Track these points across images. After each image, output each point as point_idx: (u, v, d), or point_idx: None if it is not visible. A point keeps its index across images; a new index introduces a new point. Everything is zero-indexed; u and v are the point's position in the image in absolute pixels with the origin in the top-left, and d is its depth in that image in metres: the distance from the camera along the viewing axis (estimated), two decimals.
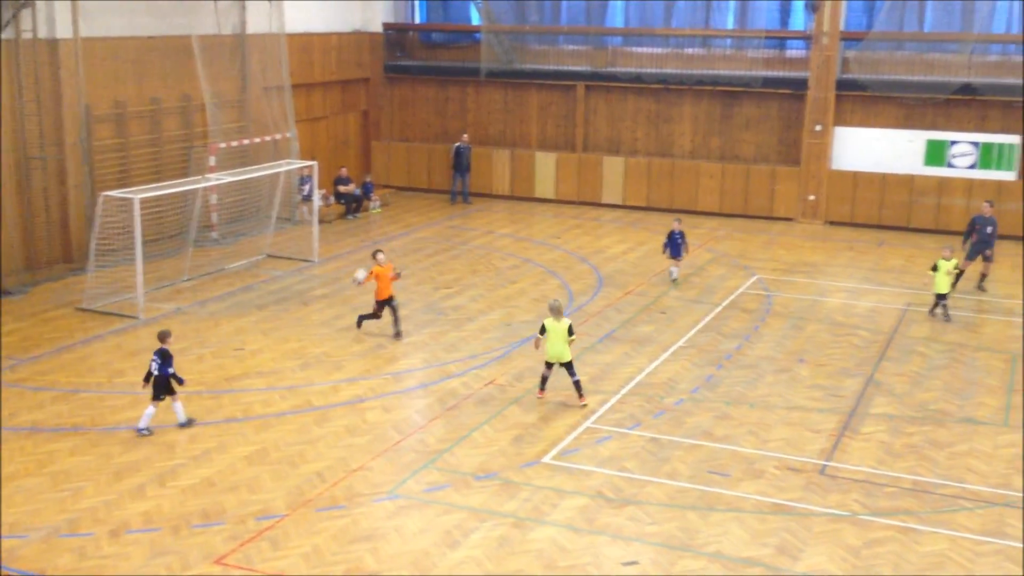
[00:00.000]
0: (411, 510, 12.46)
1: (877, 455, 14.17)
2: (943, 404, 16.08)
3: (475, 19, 34.21)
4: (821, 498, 12.89)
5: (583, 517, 12.33)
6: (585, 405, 15.67)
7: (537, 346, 16.03)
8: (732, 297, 21.87)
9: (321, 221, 26.35)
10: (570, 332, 15.53)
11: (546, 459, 13.92)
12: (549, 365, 15.73)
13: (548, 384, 15.94)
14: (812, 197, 29.77)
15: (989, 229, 22.75)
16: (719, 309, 20.98)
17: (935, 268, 20.27)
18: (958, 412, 15.76)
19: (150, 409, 14.43)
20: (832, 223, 29.53)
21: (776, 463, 13.85)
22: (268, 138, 26.86)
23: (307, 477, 13.26)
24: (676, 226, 22.73)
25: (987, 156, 28.42)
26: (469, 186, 32.41)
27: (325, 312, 20.44)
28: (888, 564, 11.38)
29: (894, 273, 24.28)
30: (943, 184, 28.57)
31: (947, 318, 20.27)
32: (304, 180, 27.57)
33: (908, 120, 29.13)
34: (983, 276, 22.81)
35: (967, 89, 28.18)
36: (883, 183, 29.12)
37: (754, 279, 23.40)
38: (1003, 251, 26.39)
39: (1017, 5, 28.51)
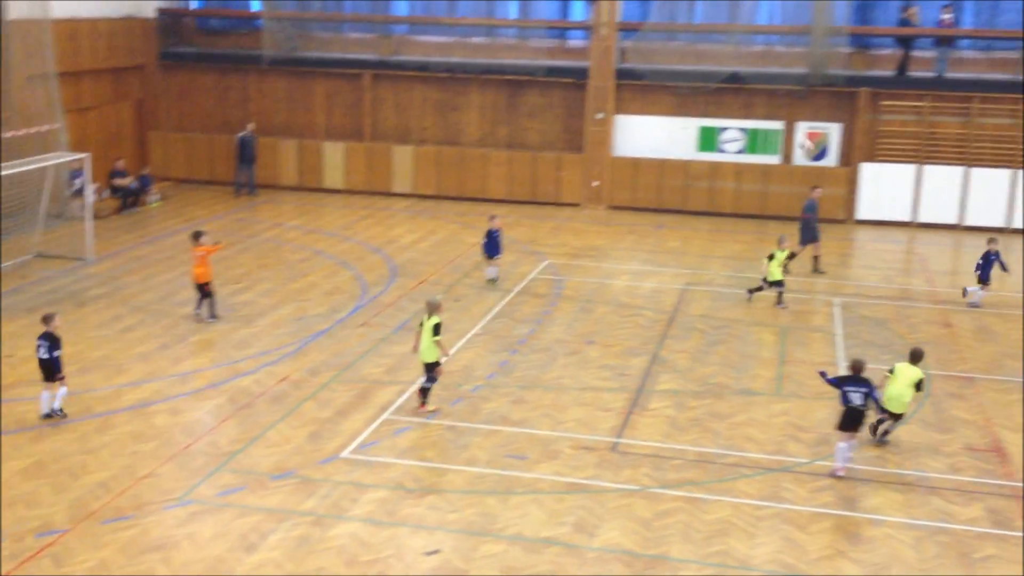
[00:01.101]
0: (204, 515, 12.05)
1: (664, 430, 14.80)
2: (722, 378, 16.94)
3: (256, 5, 33.31)
4: (614, 474, 13.35)
5: (384, 510, 12.29)
6: (434, 411, 15.05)
7: (415, 349, 15.22)
8: (524, 283, 22.28)
9: (96, 217, 25.02)
10: (435, 331, 14.79)
11: (344, 454, 13.78)
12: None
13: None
14: (596, 183, 30.69)
15: (810, 213, 24.02)
16: (511, 295, 21.33)
17: (771, 257, 20.87)
18: (735, 384, 16.65)
19: (44, 394, 14.43)
20: (615, 208, 30.54)
21: (571, 443, 14.23)
22: (34, 130, 25.23)
23: (90, 488, 12.60)
24: (493, 224, 21.77)
25: (754, 141, 30.09)
26: (255, 178, 31.57)
27: (103, 313, 19.45)
28: (677, 534, 11.91)
29: (673, 254, 25.37)
30: (715, 168, 30.05)
31: (782, 304, 20.93)
32: (75, 174, 26.07)
33: (682, 108, 30.45)
34: (816, 259, 23.82)
35: (735, 78, 29.70)
36: (661, 168, 30.34)
37: (544, 264, 23.92)
38: (769, 230, 28.04)
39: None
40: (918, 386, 14.30)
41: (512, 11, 32.34)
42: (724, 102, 30.16)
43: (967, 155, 28.65)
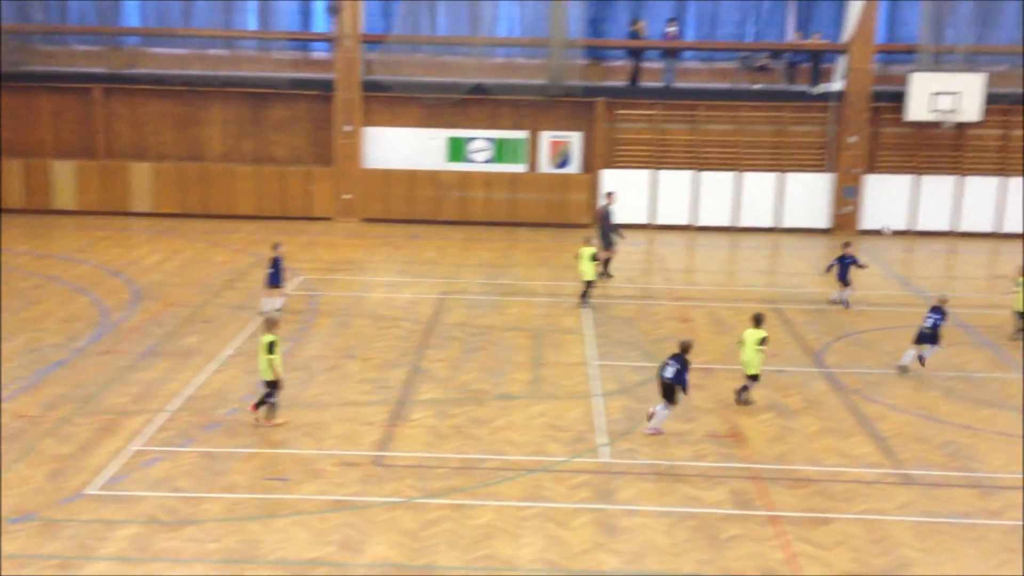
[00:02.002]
0: None
1: (426, 440, 14.89)
2: (481, 384, 17.23)
3: None
4: (378, 488, 13.29)
5: (136, 546, 11.70)
6: (282, 423, 15.07)
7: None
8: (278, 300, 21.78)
9: None
10: (268, 349, 14.61)
11: (89, 491, 13.00)
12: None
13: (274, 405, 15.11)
14: (348, 196, 30.52)
15: (611, 220, 24.65)
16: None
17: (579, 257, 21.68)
18: (494, 390, 16.98)
19: None
20: (368, 220, 30.47)
21: (333, 460, 14.06)
22: None
23: None
24: (278, 251, 20.57)
25: (501, 151, 30.84)
26: None
27: None
28: (443, 542, 12.01)
29: (428, 264, 25.60)
30: (465, 178, 30.58)
31: (586, 303, 21.71)
32: None
33: (430, 119, 30.80)
34: (607, 260, 24.43)
35: (479, 89, 30.35)
36: (412, 179, 30.55)
37: (299, 280, 23.53)
38: (516, 236, 28.85)
39: (517, 12, 31.18)
40: (762, 342, 16.01)
41: (251, 22, 31.61)
42: (470, 113, 30.74)
43: (696, 160, 30.55)
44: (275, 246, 20.78)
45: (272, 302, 20.26)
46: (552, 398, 16.62)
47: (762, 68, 31.19)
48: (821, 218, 30.53)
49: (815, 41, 30.59)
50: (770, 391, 16.97)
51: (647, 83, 30.91)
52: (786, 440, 15.09)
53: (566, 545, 12.00)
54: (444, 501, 12.99)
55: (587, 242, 21.97)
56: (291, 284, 23.09)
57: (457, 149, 30.81)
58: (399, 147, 30.78)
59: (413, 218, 30.43)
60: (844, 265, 22.22)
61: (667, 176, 30.47)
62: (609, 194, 25.58)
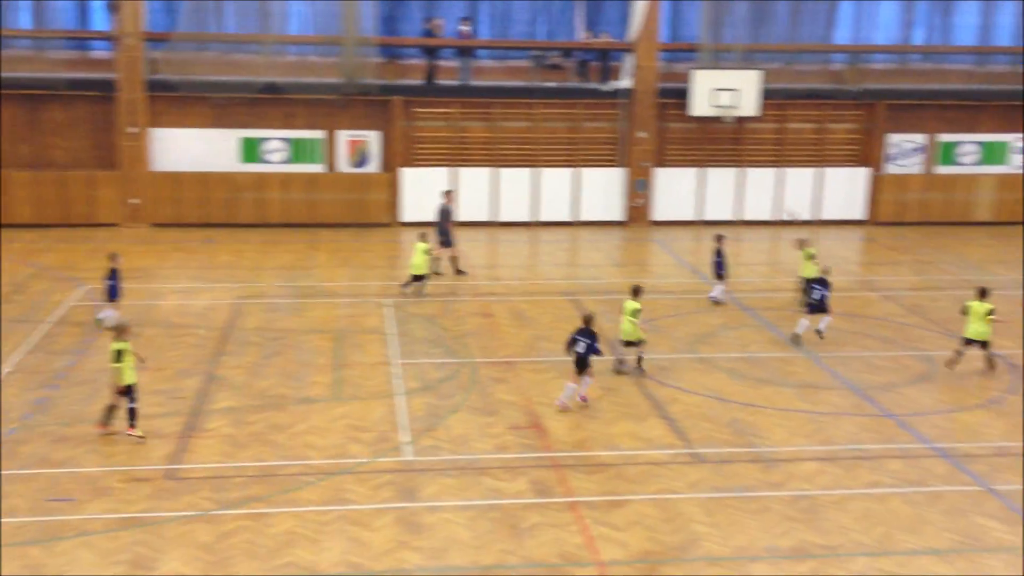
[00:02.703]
0: None
1: (223, 449, 14.49)
2: (281, 389, 16.91)
3: None
4: (171, 503, 12.85)
5: None
6: (141, 437, 14.59)
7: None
8: (60, 312, 20.75)
9: None
10: (117, 358, 14.43)
11: None
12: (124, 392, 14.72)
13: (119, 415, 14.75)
14: (135, 201, 29.29)
15: (450, 218, 24.77)
16: (47, 326, 19.78)
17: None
18: (295, 394, 16.70)
19: None
20: (158, 225, 29.35)
21: (122, 477, 13.49)
22: None
23: None
24: (116, 263, 19.59)
25: (297, 151, 30.31)
26: None
27: None
28: (242, 553, 11.73)
29: (224, 269, 24.90)
30: (261, 179, 29.89)
31: (421, 295, 22.36)
32: None
33: (221, 119, 29.92)
34: (455, 258, 24.63)
35: (272, 88, 29.72)
36: (204, 182, 29.62)
37: (83, 290, 22.42)
38: (316, 237, 28.48)
39: (308, 9, 30.71)
40: (633, 314, 17.23)
41: (24, 20, 29.82)
42: (264, 112, 30.07)
43: (495, 157, 30.93)
44: (112, 256, 19.69)
45: (111, 315, 19.20)
46: (354, 399, 16.49)
47: (554, 66, 31.88)
48: (616, 211, 31.49)
49: (603, 40, 31.51)
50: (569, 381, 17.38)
51: (443, 81, 31.06)
52: (584, 428, 15.52)
53: (368, 546, 11.95)
54: (242, 511, 12.68)
55: (422, 237, 22.45)
56: (74, 295, 22.01)
57: (251, 150, 30.08)
58: (189, 148, 29.75)
59: (207, 222, 29.51)
60: (721, 259, 22.16)
61: (467, 173, 30.71)
62: (448, 192, 25.60)
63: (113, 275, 19.48)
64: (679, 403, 16.53)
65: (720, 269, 22.30)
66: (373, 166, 30.67)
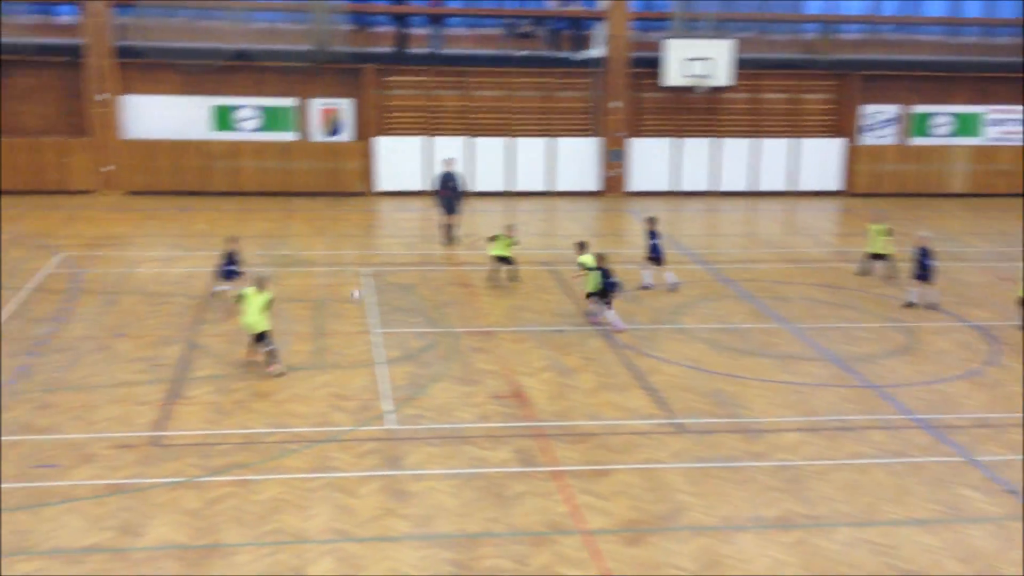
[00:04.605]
0: None
1: (208, 416, 14.46)
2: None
3: None
4: (157, 469, 12.82)
5: None
6: (281, 374, 15.96)
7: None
8: (37, 279, 20.55)
9: None
10: (268, 306, 16.10)
11: None
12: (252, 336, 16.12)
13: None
14: (109, 168, 28.96)
15: (452, 183, 24.33)
16: (24, 293, 19.59)
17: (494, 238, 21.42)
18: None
19: None
20: (133, 193, 29.06)
21: (107, 443, 13.43)
22: None
23: None
24: (233, 245, 19.77)
25: (270, 119, 30.07)
26: None
27: None
28: (229, 519, 11.73)
29: (201, 237, 24.72)
30: (234, 147, 29.67)
31: (516, 279, 21.59)
32: None
33: (192, 87, 29.63)
34: (455, 227, 24.33)
35: (243, 55, 29.40)
36: (178, 150, 29.36)
37: (59, 257, 22.19)
38: (291, 206, 28.32)
39: None
40: (581, 266, 18.78)
41: None
42: (235, 80, 29.79)
43: (469, 126, 30.86)
44: (231, 239, 19.65)
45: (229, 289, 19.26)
46: (336, 368, 16.49)
47: (526, 35, 31.78)
48: (591, 181, 31.55)
49: (574, 9, 31.41)
50: (550, 350, 17.49)
51: (415, 50, 30.88)
52: (567, 397, 15.61)
53: (355, 513, 11.99)
54: (228, 478, 12.67)
55: (509, 230, 21.53)
56: (50, 262, 21.80)
57: (224, 117, 29.81)
58: (162, 116, 29.46)
59: (181, 189, 29.27)
60: (655, 242, 21.23)
61: (441, 143, 30.61)
62: (448, 160, 25.45)
63: (230, 259, 19.35)
64: (660, 373, 16.66)
65: (655, 252, 21.16)
66: (346, 135, 30.50)
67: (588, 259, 18.95)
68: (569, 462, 13.40)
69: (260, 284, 16.27)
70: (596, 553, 11.22)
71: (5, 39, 28.58)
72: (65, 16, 29.71)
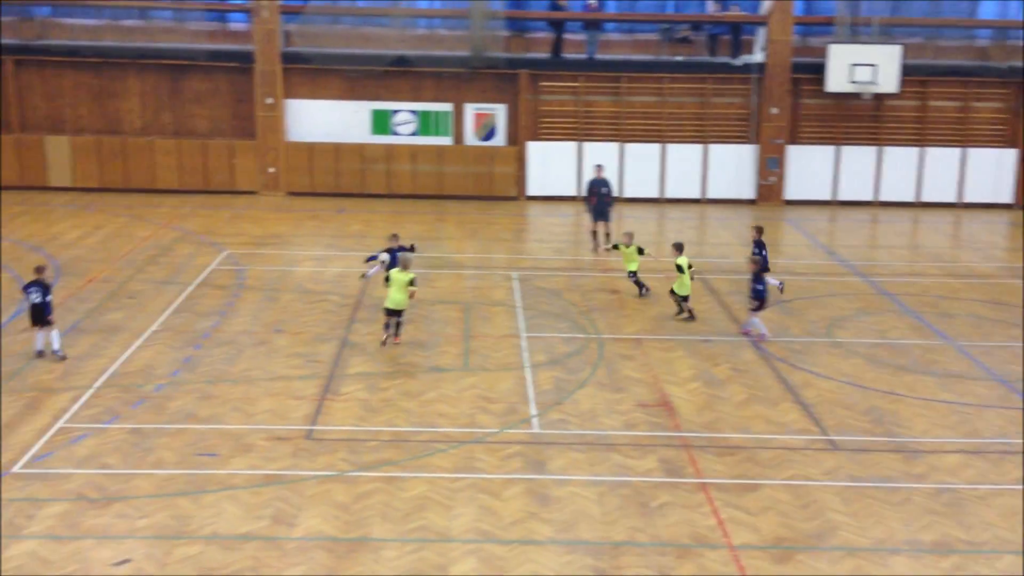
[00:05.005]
0: None
1: (358, 413, 14.82)
2: (412, 357, 17.18)
3: None
4: (310, 462, 13.21)
5: (65, 523, 11.48)
6: (397, 343, 17.45)
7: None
8: (203, 275, 21.49)
9: None
10: (412, 283, 17.19)
11: (16, 469, 12.72)
12: (391, 312, 17.35)
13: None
14: (272, 169, 30.07)
15: (604, 190, 24.42)
16: (191, 288, 20.51)
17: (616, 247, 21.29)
18: (425, 363, 16.94)
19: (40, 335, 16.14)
20: (294, 194, 30.09)
21: (264, 435, 13.93)
22: None
23: None
24: (394, 242, 19.50)
25: (426, 123, 30.63)
26: None
27: None
28: (377, 514, 11.98)
29: (356, 238, 25.37)
30: (390, 151, 30.33)
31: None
32: None
33: (353, 91, 30.45)
34: (607, 235, 24.21)
35: (402, 61, 30.07)
36: (337, 153, 30.22)
37: (224, 254, 23.17)
38: (443, 209, 28.76)
39: None
40: (680, 268, 18.93)
41: None
42: (394, 85, 30.47)
43: (621, 132, 30.71)
44: (392, 236, 19.65)
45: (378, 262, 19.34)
46: (483, 370, 16.65)
47: (683, 40, 31.42)
48: (746, 189, 30.95)
49: (734, 13, 30.88)
50: (699, 360, 17.23)
51: (570, 55, 30.94)
52: (714, 408, 15.33)
53: (499, 515, 12.06)
54: (376, 474, 12.95)
55: (678, 249, 19.73)
56: (215, 259, 22.77)
57: (381, 121, 30.53)
58: (323, 119, 30.39)
59: (339, 191, 30.12)
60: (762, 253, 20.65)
61: (592, 148, 30.56)
62: (599, 166, 25.44)
63: (393, 253, 19.10)
64: (813, 388, 16.19)
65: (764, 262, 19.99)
66: (500, 139, 30.79)
67: (684, 261, 19.07)
68: (716, 474, 13.15)
69: (405, 265, 17.40)
70: (742, 569, 10.97)
71: (182, 45, 30.04)
72: (238, 24, 31.02)
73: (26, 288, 16.55)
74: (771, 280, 20.20)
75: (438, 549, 11.30)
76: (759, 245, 20.40)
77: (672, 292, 19.52)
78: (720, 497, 12.55)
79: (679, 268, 19.17)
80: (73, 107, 30.20)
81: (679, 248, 19.55)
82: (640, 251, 20.89)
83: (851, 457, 13.72)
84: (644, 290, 20.85)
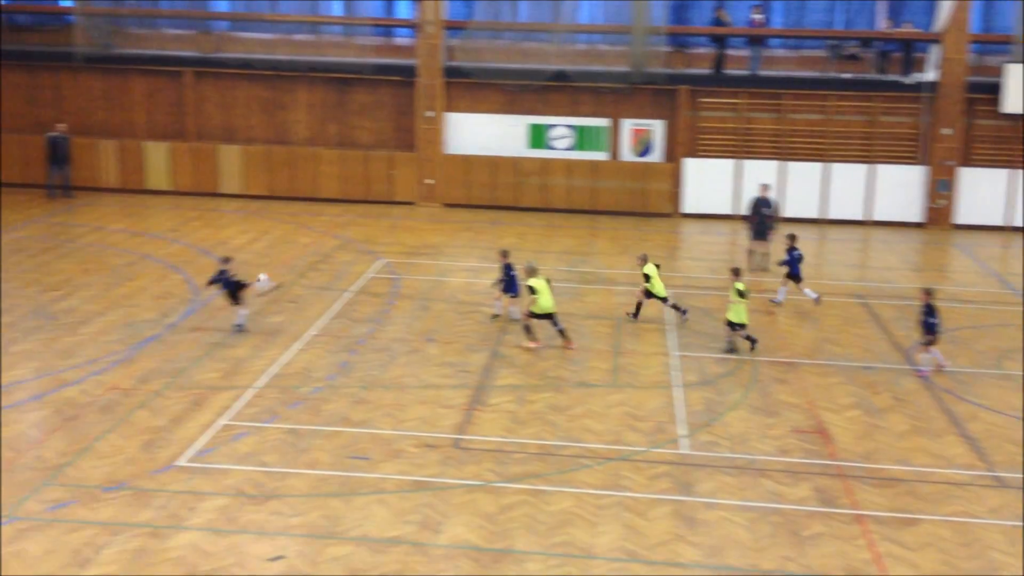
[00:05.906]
0: (33, 532, 11.44)
1: (505, 424, 14.92)
2: (560, 371, 17.20)
3: (65, 1, 31.79)
4: (457, 471, 13.37)
5: (224, 517, 11.95)
6: (571, 348, 18.02)
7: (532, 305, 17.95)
8: (361, 282, 22.07)
9: None
10: (740, 295, 17.76)
11: (180, 462, 13.32)
12: (542, 317, 17.97)
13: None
14: (430, 181, 30.67)
15: (766, 210, 24.38)
16: (349, 295, 21.10)
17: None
18: (573, 377, 16.93)
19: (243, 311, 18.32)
20: (449, 205, 30.60)
21: (414, 441, 14.18)
22: None
23: None
24: (506, 259, 19.83)
25: (582, 138, 30.69)
26: (70, 179, 30.13)
27: None
28: (521, 526, 12.03)
29: (509, 251, 25.51)
30: (545, 165, 30.49)
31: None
32: None
33: (511, 106, 30.76)
34: (765, 255, 24.01)
35: (561, 76, 30.22)
36: (493, 166, 30.58)
37: (381, 263, 23.75)
38: (597, 224, 28.70)
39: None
40: (739, 294, 17.99)
41: (336, 8, 32.06)
42: (551, 100, 30.64)
43: (782, 150, 30.04)
44: (504, 253, 19.88)
45: (512, 311, 19.57)
46: (631, 387, 16.52)
47: (852, 57, 30.53)
48: (914, 212, 29.79)
49: (907, 30, 29.83)
50: (858, 387, 16.66)
51: (731, 71, 30.47)
52: (873, 438, 14.79)
53: (644, 535, 11.93)
54: (522, 486, 13.00)
55: (736, 274, 18.83)
56: (373, 267, 23.35)
57: (538, 136, 30.74)
58: (480, 133, 30.81)
59: (494, 204, 30.47)
60: (794, 260, 20.92)
61: (752, 166, 30.00)
62: (764, 185, 25.10)
63: (507, 271, 19.42)
64: (980, 421, 15.42)
65: (794, 270, 20.91)
66: (656, 155, 30.57)
67: (741, 286, 18.10)
68: (873, 507, 12.68)
69: (532, 272, 18.12)
70: None
71: (349, 59, 31.01)
72: (402, 39, 31.83)
73: (220, 275, 18.60)
74: (808, 293, 20.66)
75: (581, 565, 11.25)
76: (790, 251, 20.97)
77: (729, 323, 18.20)
78: (877, 530, 12.09)
79: (740, 294, 18.00)
80: (245, 117, 31.54)
81: (737, 273, 18.47)
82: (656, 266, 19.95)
83: (1018, 496, 13.00)
84: (683, 314, 19.86)
